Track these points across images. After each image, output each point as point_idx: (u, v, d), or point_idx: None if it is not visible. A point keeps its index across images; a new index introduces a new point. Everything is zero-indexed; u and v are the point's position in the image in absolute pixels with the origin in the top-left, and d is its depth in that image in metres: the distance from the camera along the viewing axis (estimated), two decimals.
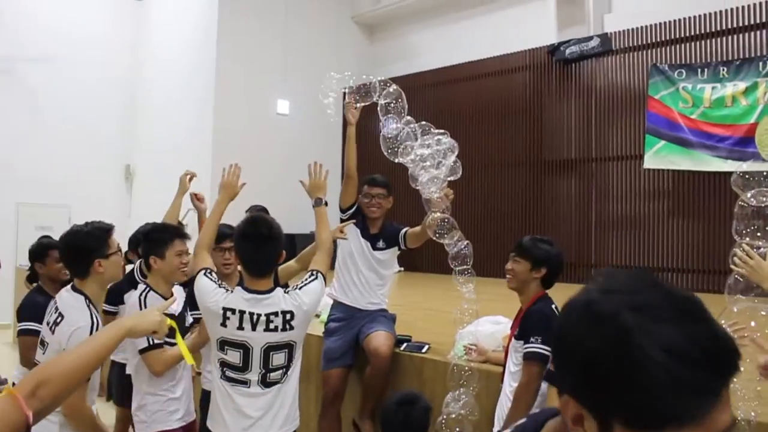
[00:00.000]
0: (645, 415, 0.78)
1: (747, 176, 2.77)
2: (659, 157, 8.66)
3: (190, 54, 11.46)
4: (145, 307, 3.08)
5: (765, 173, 2.73)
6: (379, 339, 4.04)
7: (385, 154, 4.17)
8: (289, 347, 2.77)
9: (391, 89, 4.20)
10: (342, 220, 4.38)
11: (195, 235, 3.52)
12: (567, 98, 9.88)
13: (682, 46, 8.69)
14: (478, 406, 3.63)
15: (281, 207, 10.85)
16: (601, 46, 9.28)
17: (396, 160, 4.11)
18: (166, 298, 3.23)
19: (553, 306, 3.15)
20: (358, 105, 4.17)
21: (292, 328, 2.74)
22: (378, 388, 4.01)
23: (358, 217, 4.33)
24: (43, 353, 2.84)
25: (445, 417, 3.61)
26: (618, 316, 0.80)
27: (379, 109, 4.19)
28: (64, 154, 11.33)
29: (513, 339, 3.21)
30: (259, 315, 2.71)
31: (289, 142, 11.90)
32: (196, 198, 4.69)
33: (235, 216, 3.67)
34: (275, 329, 2.72)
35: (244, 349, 2.74)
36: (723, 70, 8.21)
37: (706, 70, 8.35)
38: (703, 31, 8.55)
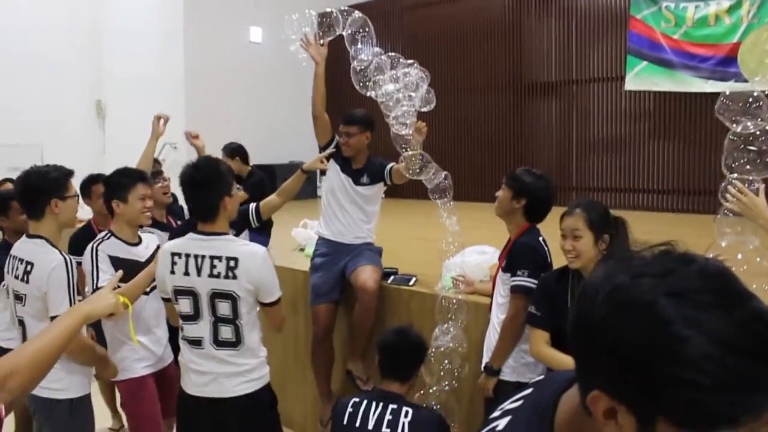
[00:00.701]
0: (697, 414, 0.71)
1: (730, 103, 2.69)
2: (640, 78, 8.56)
3: None
4: (97, 258, 3.04)
5: (749, 99, 2.64)
6: (365, 273, 4.02)
7: (357, 87, 4.06)
8: (232, 299, 2.67)
9: (355, 16, 4.04)
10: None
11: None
12: (547, 19, 9.67)
13: None
14: (466, 338, 3.65)
15: (257, 138, 10.70)
16: None
17: (367, 95, 4.01)
18: (130, 244, 3.19)
19: (540, 238, 3.14)
20: (323, 41, 4.03)
21: (235, 277, 2.64)
22: (367, 325, 4.01)
23: (339, 152, 4.25)
24: (23, 305, 2.84)
25: (433, 350, 3.62)
26: (655, 305, 0.73)
27: (346, 40, 4.04)
28: (31, 91, 10.94)
29: (500, 271, 3.20)
30: (203, 257, 2.66)
31: (263, 72, 11.61)
32: (192, 137, 4.66)
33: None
34: (218, 275, 2.65)
35: (193, 296, 2.70)
36: None
37: None
38: None
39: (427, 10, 10.78)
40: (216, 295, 2.68)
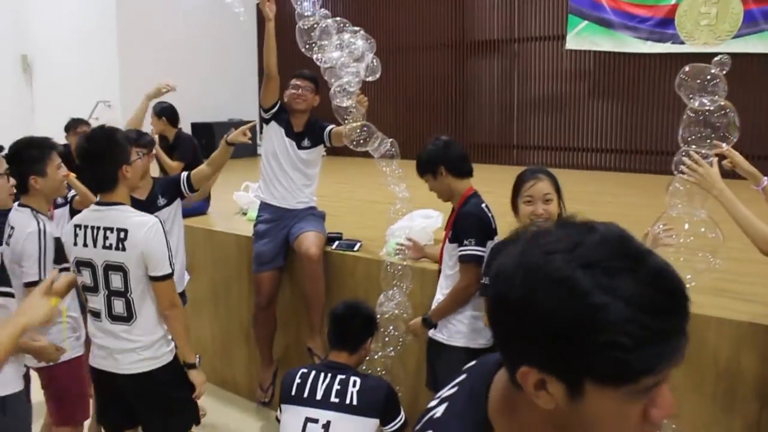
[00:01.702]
0: (622, 371, 0.76)
1: (688, 79, 2.72)
2: (581, 37, 8.60)
3: None
4: (46, 237, 2.88)
5: (708, 77, 2.68)
6: (309, 240, 3.97)
7: (302, 49, 3.95)
8: (123, 272, 2.63)
9: None
10: (264, 120, 4.18)
11: None
12: None
13: None
14: (411, 304, 3.66)
15: (195, 94, 10.36)
16: None
17: (313, 57, 3.92)
18: (45, 217, 3.06)
19: (483, 205, 3.14)
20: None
21: (124, 248, 2.60)
22: (317, 293, 3.96)
23: (282, 115, 4.15)
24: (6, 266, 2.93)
25: (378, 316, 3.62)
26: (571, 279, 0.76)
27: None
28: None
29: (447, 241, 3.20)
30: (98, 229, 2.63)
31: (200, 24, 11.20)
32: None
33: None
34: (110, 247, 2.61)
35: (92, 268, 2.67)
36: None
37: None
38: None
39: None
40: (108, 267, 2.64)
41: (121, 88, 10.21)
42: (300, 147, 4.14)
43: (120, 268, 2.63)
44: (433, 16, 10.01)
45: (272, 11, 3.89)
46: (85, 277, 2.70)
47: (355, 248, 4.12)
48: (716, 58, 2.71)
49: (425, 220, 4.29)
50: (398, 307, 3.68)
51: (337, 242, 4.21)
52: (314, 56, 3.90)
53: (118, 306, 2.69)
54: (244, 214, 5.24)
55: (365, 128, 3.77)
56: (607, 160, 8.85)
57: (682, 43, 7.89)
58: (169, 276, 2.71)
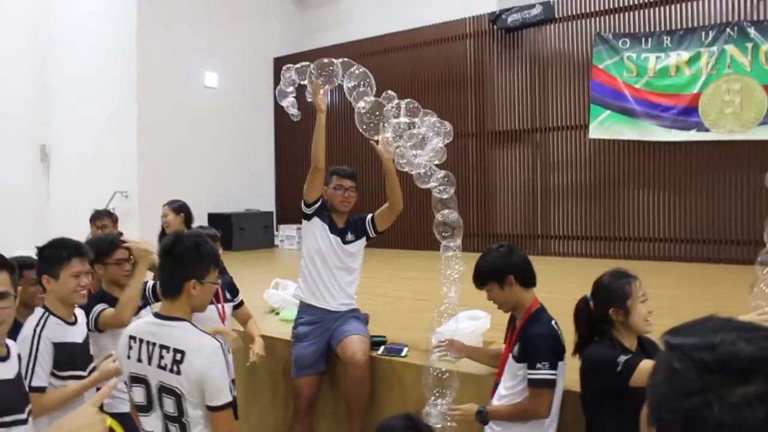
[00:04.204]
0: None
1: None
2: (604, 126, 8.62)
3: (108, 25, 10.62)
4: (39, 340, 2.74)
5: None
6: (354, 345, 3.76)
7: (361, 129, 3.86)
8: (176, 396, 2.34)
9: (356, 71, 3.87)
10: (306, 215, 4.03)
11: None
12: (510, 68, 9.69)
13: (626, 14, 8.61)
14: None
15: (213, 186, 10.35)
16: (544, 14, 9.09)
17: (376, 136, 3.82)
18: (67, 322, 2.88)
19: (553, 322, 2.95)
20: (324, 89, 3.82)
21: (179, 372, 2.31)
22: (361, 401, 3.73)
23: (324, 211, 4.00)
24: None
25: None
26: None
27: (346, 92, 3.87)
28: None
29: (510, 357, 2.98)
30: (154, 345, 2.37)
31: (219, 116, 11.32)
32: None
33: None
34: (164, 367, 2.34)
35: (145, 384, 2.40)
36: (667, 39, 8.17)
37: (650, 39, 8.29)
38: (647, 0, 8.48)
39: (385, 57, 10.71)
40: (162, 389, 2.36)
41: (138, 178, 10.19)
42: (345, 242, 3.98)
43: (173, 392, 2.36)
44: (454, 106, 10.06)
45: (324, 103, 3.79)
46: (137, 395, 2.43)
47: (403, 353, 3.90)
48: None
49: (473, 322, 4.08)
50: (444, 417, 3.42)
51: (382, 347, 3.99)
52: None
53: (173, 431, 2.43)
54: (277, 313, 5.03)
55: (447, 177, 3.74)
56: (626, 248, 8.69)
57: (708, 130, 7.87)
58: (229, 405, 2.46)
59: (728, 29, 7.79)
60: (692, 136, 7.97)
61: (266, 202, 12.05)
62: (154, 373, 2.36)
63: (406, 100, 3.91)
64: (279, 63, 12.44)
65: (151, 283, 3.57)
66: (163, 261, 2.43)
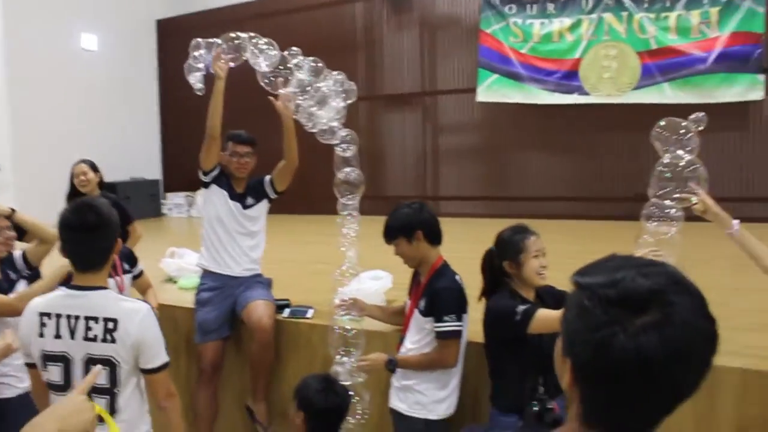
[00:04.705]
0: None
1: (665, 132, 2.78)
2: (492, 90, 8.88)
3: None
4: None
5: (681, 130, 2.75)
6: (259, 309, 3.76)
7: (263, 83, 3.80)
8: (110, 365, 2.28)
9: (261, 42, 3.80)
10: (204, 183, 3.94)
11: None
12: (400, 32, 9.77)
13: None
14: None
15: (96, 152, 9.84)
16: None
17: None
18: None
19: (457, 277, 3.08)
20: (229, 62, 3.73)
21: (113, 340, 2.26)
22: (266, 364, 3.75)
23: (222, 178, 3.93)
24: None
25: None
26: None
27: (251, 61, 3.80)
28: None
29: (416, 312, 3.08)
30: (77, 318, 2.27)
31: (100, 81, 10.74)
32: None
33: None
34: (94, 338, 2.26)
35: (65, 362, 2.29)
36: (550, 6, 8.49)
37: (534, 5, 8.58)
38: None
39: (278, 19, 10.50)
40: (92, 361, 2.27)
41: (12, 149, 9.56)
42: (245, 207, 3.94)
43: (107, 362, 2.27)
44: (346, 70, 9.98)
45: (224, 70, 3.69)
46: (53, 374, 2.31)
47: (308, 315, 3.93)
48: (692, 116, 2.78)
49: (375, 282, 4.16)
50: (351, 374, 3.50)
51: (287, 309, 4.00)
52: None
53: (98, 404, 2.33)
54: (175, 282, 4.91)
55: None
56: (525, 207, 9.06)
57: (588, 94, 8.28)
58: (167, 365, 2.41)
59: None
60: (574, 99, 8.37)
61: (152, 170, 11.63)
62: (80, 346, 2.25)
63: (311, 58, 3.88)
64: (162, 25, 11.94)
65: (19, 252, 3.35)
66: (83, 234, 2.28)
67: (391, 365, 3.09)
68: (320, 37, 10.17)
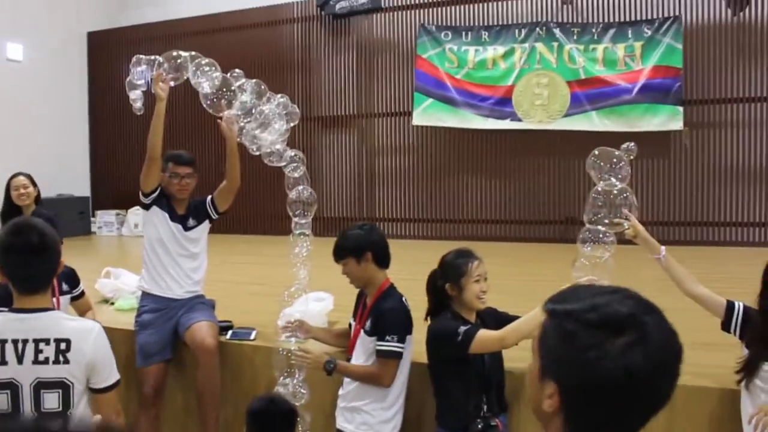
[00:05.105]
0: None
1: (600, 162, 2.95)
2: (427, 114, 9.06)
3: None
4: None
5: (614, 159, 2.92)
6: (202, 330, 3.72)
7: (206, 105, 3.81)
8: (63, 387, 2.23)
9: (203, 62, 3.81)
10: (144, 205, 3.89)
11: None
12: (337, 54, 9.88)
13: (449, 8, 9.14)
14: (308, 389, 3.53)
15: (21, 166, 9.51)
16: (371, 3, 9.36)
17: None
18: None
19: (404, 299, 3.15)
20: (170, 81, 3.72)
21: (67, 361, 2.20)
22: (213, 388, 3.69)
23: (163, 199, 3.89)
24: None
25: None
26: None
27: (191, 81, 3.80)
28: None
29: (362, 333, 3.14)
30: (25, 341, 2.19)
31: (25, 93, 10.39)
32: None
33: None
34: (44, 361, 2.19)
35: (12, 389, 2.20)
36: (485, 34, 8.77)
37: (470, 33, 8.85)
38: None
39: (213, 37, 10.43)
40: (41, 386, 2.21)
41: None
42: (186, 228, 3.91)
43: (59, 384, 2.22)
44: (281, 91, 10.01)
45: (165, 91, 3.68)
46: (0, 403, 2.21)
47: (251, 337, 3.92)
48: (624, 145, 2.96)
49: (318, 303, 4.19)
50: (294, 395, 3.53)
51: (230, 331, 3.98)
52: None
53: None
54: (112, 303, 4.81)
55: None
56: (459, 230, 9.27)
57: (520, 120, 8.57)
58: (117, 384, 2.37)
59: (538, 29, 8.54)
60: (507, 125, 8.65)
61: (81, 187, 11.30)
62: (29, 371, 2.17)
63: (254, 80, 3.92)
64: (93, 38, 11.68)
65: None
66: (28, 257, 2.21)
67: (330, 366, 3.12)
68: (256, 56, 10.17)
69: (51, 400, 2.20)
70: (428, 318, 3.07)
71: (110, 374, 2.31)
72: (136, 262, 5.63)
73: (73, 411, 2.25)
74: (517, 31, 8.63)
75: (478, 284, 2.87)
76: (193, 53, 3.85)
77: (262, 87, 4.00)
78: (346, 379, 3.22)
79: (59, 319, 2.27)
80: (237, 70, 3.96)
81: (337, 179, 9.95)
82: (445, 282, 2.91)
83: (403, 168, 9.57)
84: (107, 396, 2.32)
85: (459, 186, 9.25)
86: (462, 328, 2.79)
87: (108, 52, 11.32)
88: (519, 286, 4.85)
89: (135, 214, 10.07)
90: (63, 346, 2.19)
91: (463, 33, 8.87)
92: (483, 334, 2.76)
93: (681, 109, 8.00)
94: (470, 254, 2.95)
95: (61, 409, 2.22)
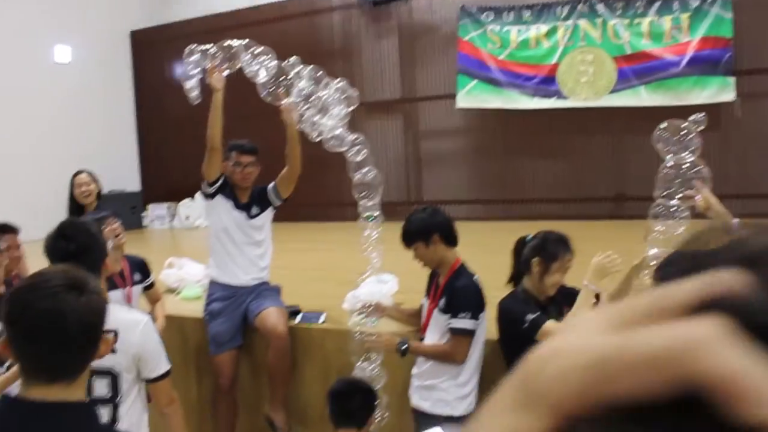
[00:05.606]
0: None
1: (666, 134, 2.93)
2: (471, 96, 9.02)
3: None
4: None
5: (683, 132, 2.90)
6: (273, 317, 3.82)
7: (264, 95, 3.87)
8: (111, 375, 2.35)
9: (257, 50, 3.87)
10: (208, 195, 3.98)
11: None
12: (378, 41, 9.88)
13: None
14: (385, 372, 3.58)
15: (73, 167, 9.73)
16: None
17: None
18: None
19: (475, 278, 3.18)
20: (224, 71, 3.79)
21: (114, 351, 2.25)
22: (284, 371, 3.80)
23: (226, 188, 3.97)
24: None
25: None
26: None
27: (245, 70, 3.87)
28: None
29: (436, 311, 3.18)
30: None
31: (74, 94, 10.63)
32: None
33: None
34: None
35: None
36: (526, 13, 8.68)
37: (511, 13, 8.76)
38: None
39: (255, 30, 10.48)
40: (93, 373, 2.31)
41: None
42: (250, 216, 3.99)
43: (108, 373, 2.34)
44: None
45: (220, 82, 3.75)
46: None
47: (320, 320, 3.99)
48: (692, 117, 2.93)
49: (383, 285, 4.23)
50: (373, 378, 3.59)
51: (299, 315, 4.06)
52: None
53: (102, 415, 2.38)
54: (178, 293, 4.93)
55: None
56: (509, 209, 9.23)
57: (566, 98, 8.49)
58: (169, 373, 2.48)
59: (580, 5, 8.42)
60: (552, 103, 8.57)
61: (131, 182, 11.54)
62: None
63: (311, 67, 3.96)
64: (137, 36, 11.87)
65: None
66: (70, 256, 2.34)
67: (403, 347, 3.17)
68: (298, 46, 10.20)
69: (101, 387, 2.32)
70: (511, 282, 3.10)
71: (158, 364, 2.43)
72: (191, 253, 5.78)
73: (122, 398, 2.36)
74: (559, 8, 8.51)
75: (560, 275, 2.89)
76: (247, 41, 3.90)
77: (319, 73, 4.04)
78: (420, 358, 3.27)
79: (110, 310, 2.37)
80: (292, 58, 4.01)
81: (384, 164, 9.97)
82: (535, 256, 2.92)
83: (448, 150, 9.56)
84: (159, 385, 2.46)
85: (505, 167, 9.21)
86: (529, 317, 2.80)
87: (151, 49, 11.51)
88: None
89: (186, 206, 10.28)
90: (110, 336, 2.28)
91: (504, 13, 8.79)
92: (550, 326, 2.78)
93: (732, 80, 7.83)
94: (569, 245, 2.96)
95: (110, 396, 2.34)
